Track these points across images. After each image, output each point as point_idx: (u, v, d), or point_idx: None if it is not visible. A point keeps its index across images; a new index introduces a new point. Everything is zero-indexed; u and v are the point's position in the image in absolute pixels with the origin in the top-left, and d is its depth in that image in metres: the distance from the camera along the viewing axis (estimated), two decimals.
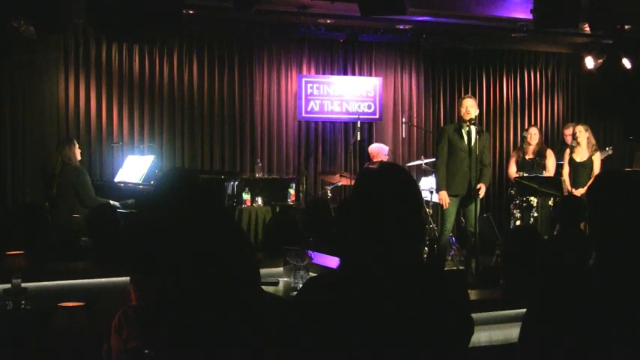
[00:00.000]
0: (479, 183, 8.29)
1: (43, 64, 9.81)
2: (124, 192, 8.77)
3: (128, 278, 3.55)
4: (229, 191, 9.19)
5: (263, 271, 3.70)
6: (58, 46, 9.86)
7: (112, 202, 8.31)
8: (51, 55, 9.83)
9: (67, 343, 3.43)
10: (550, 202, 9.19)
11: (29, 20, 8.19)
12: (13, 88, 9.59)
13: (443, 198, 8.36)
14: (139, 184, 8.74)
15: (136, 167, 9.16)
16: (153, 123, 10.50)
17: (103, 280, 4.79)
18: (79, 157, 8.35)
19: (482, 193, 8.35)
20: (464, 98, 8.73)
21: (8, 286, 4.23)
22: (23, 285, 4.24)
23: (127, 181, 9.04)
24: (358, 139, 10.95)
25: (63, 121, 9.99)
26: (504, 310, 4.19)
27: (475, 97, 11.53)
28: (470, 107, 8.39)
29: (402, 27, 10.86)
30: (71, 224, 7.49)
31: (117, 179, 9.31)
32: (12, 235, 5.51)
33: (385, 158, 10.10)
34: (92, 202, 8.04)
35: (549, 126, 12.63)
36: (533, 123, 12.09)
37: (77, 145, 8.41)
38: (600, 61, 11.57)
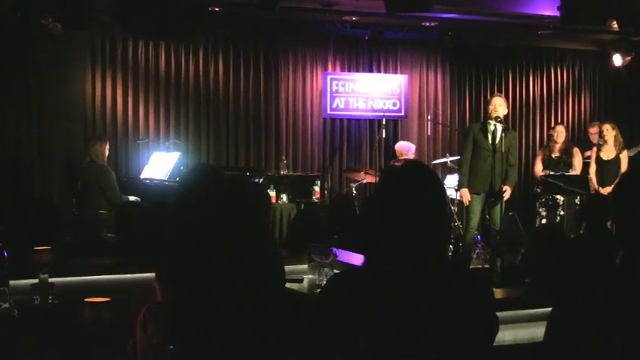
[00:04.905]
0: (504, 184, 8.23)
1: (71, 61, 9.89)
2: (150, 188, 8.83)
3: (154, 274, 3.57)
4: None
5: (287, 268, 3.71)
6: (85, 44, 9.93)
7: (131, 198, 8.39)
8: (78, 53, 9.91)
9: (92, 337, 3.45)
10: (576, 201, 9.13)
11: (57, 18, 8.28)
12: (41, 85, 9.67)
13: (463, 195, 8.34)
14: (165, 181, 8.79)
15: (161, 164, 9.21)
16: (178, 120, 10.56)
17: (129, 275, 4.82)
18: (106, 156, 8.44)
19: (507, 196, 8.29)
20: (493, 96, 8.66)
21: (36, 281, 4.27)
22: (50, 280, 4.28)
23: (153, 177, 9.09)
24: (383, 136, 10.92)
25: (90, 118, 10.08)
26: (529, 308, 4.17)
27: (501, 94, 11.48)
28: (498, 105, 8.32)
29: (427, 24, 10.81)
30: (97, 220, 7.55)
31: (143, 176, 9.37)
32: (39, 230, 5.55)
33: (412, 157, 10.07)
34: (117, 199, 8.13)
35: (576, 124, 12.54)
36: (559, 121, 12.00)
37: (108, 145, 8.50)
38: (628, 58, 11.45)
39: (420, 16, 9.91)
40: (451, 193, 9.55)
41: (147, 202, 8.20)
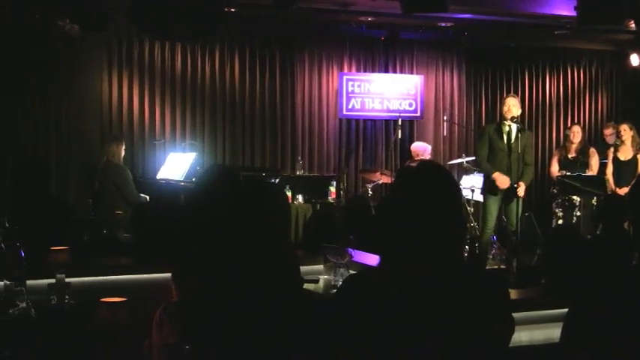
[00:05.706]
0: (519, 181, 8.20)
1: (87, 62, 9.93)
2: (166, 189, 8.85)
3: (170, 274, 3.58)
4: None
5: (303, 268, 3.70)
6: (102, 45, 9.98)
7: (146, 196, 8.43)
8: (95, 54, 9.95)
9: (109, 337, 3.47)
10: (593, 201, 9.08)
11: (74, 19, 8.31)
12: (57, 86, 9.71)
13: (498, 179, 8.20)
14: (181, 181, 8.81)
15: (177, 164, 9.23)
16: (194, 121, 10.58)
17: (145, 275, 4.84)
18: (122, 156, 8.48)
19: (521, 192, 8.24)
20: (507, 97, 8.66)
21: (53, 281, 4.29)
22: (67, 280, 4.29)
23: (169, 178, 9.11)
24: (399, 137, 10.91)
25: (106, 118, 10.12)
26: (545, 309, 4.16)
27: (517, 95, 11.43)
28: (512, 106, 8.31)
29: (443, 24, 10.79)
30: (113, 220, 7.58)
31: (159, 176, 9.39)
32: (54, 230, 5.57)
33: (428, 157, 10.06)
34: (134, 198, 8.16)
35: (592, 124, 12.48)
36: (576, 121, 11.94)
37: (124, 145, 8.54)
38: None
39: (436, 17, 9.89)
40: (467, 193, 9.52)
41: (163, 203, 8.22)
